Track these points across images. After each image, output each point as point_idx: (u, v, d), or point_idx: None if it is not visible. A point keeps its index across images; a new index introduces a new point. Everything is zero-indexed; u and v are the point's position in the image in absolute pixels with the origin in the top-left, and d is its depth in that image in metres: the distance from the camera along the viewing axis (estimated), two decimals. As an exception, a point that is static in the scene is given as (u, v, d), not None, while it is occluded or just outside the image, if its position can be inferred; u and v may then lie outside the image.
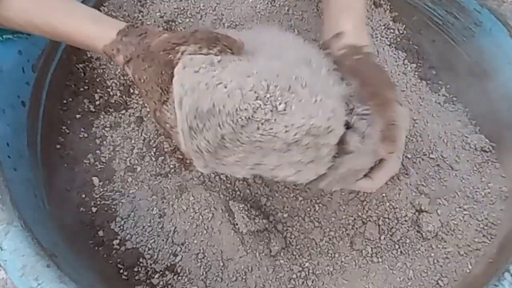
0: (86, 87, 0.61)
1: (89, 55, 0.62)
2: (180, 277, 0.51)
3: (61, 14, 0.46)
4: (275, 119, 0.37)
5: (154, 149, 0.57)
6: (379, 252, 0.53)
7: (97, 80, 0.61)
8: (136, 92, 0.60)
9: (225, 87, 0.37)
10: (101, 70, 0.61)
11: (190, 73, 0.39)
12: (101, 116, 0.59)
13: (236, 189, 0.55)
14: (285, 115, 0.37)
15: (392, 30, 0.68)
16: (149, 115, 0.58)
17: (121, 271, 0.51)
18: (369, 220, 0.54)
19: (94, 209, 0.54)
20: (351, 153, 0.42)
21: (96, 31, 0.46)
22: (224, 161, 0.40)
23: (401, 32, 0.68)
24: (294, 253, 0.53)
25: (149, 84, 0.42)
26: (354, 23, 0.49)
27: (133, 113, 0.59)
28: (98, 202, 0.55)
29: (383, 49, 0.66)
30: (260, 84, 0.37)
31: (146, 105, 0.45)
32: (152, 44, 0.42)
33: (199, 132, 0.38)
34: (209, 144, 0.38)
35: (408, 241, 0.54)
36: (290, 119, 0.37)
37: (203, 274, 0.52)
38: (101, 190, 0.55)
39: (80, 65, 0.62)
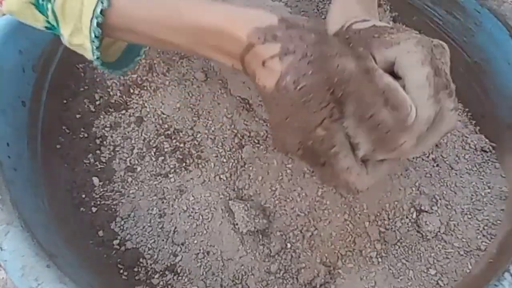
0: (86, 87, 0.61)
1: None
2: (180, 277, 0.51)
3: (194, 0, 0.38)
4: None
5: (154, 149, 0.57)
6: (379, 252, 0.53)
7: (97, 80, 0.61)
8: (136, 92, 0.60)
9: None
10: (101, 70, 0.61)
11: None
12: (101, 116, 0.59)
13: (236, 189, 0.55)
14: None
15: (392, 30, 0.68)
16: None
17: (121, 271, 0.51)
18: (369, 221, 0.54)
19: (94, 209, 0.54)
20: None
21: (247, 13, 0.37)
22: None
23: (401, 32, 0.68)
24: (294, 253, 0.53)
25: (308, 91, 0.34)
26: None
27: (133, 113, 0.59)
28: (98, 202, 0.55)
29: (383, 49, 0.66)
30: None
31: (288, 120, 0.36)
32: (336, 61, 0.34)
33: None
34: None
35: (408, 241, 0.54)
36: None
37: (203, 274, 0.52)
38: (101, 190, 0.55)
39: (80, 65, 0.62)
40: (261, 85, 0.37)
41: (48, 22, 0.41)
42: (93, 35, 0.39)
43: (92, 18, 0.38)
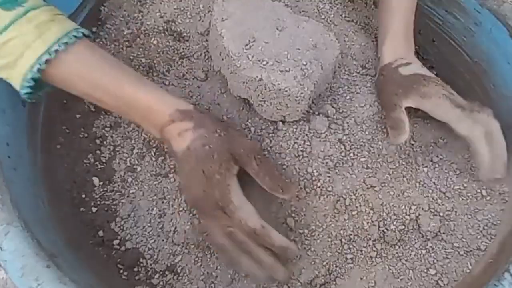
0: (86, 87, 0.61)
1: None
2: (180, 277, 0.51)
3: (133, 77, 0.48)
4: None
5: (154, 149, 0.57)
6: (379, 252, 0.54)
7: (97, 80, 0.61)
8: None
9: None
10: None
11: None
12: (101, 116, 0.59)
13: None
14: None
15: (392, 30, 0.68)
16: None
17: (121, 271, 0.51)
18: (369, 221, 0.54)
19: (94, 209, 0.54)
20: None
21: (171, 99, 0.49)
22: None
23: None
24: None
25: (215, 150, 0.47)
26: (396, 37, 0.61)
27: (133, 113, 0.59)
28: (98, 202, 0.55)
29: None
30: None
31: (192, 172, 0.47)
32: (237, 140, 0.49)
33: None
34: None
35: (408, 241, 0.54)
36: None
37: (203, 274, 0.52)
38: (101, 190, 0.55)
39: (80, 65, 0.62)
40: (175, 150, 0.48)
41: None
42: (29, 76, 0.44)
43: (34, 64, 0.44)
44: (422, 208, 0.55)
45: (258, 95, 0.52)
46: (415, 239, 0.54)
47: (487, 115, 0.55)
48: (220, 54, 0.54)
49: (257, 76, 0.51)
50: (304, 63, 0.52)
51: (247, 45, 0.52)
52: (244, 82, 0.52)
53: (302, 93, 0.51)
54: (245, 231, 0.47)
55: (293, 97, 0.51)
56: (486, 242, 0.54)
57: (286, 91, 0.51)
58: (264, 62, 0.51)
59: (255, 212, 0.48)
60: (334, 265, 0.53)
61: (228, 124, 0.52)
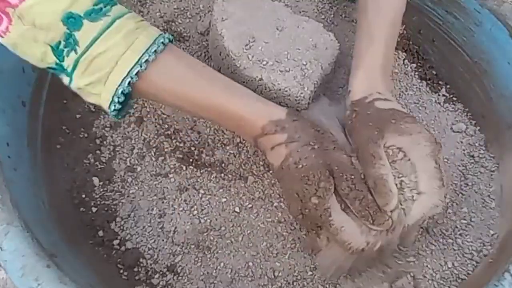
0: (86, 87, 0.61)
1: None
2: (180, 277, 0.51)
3: (221, 85, 0.46)
4: None
5: (154, 149, 0.57)
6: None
7: (97, 80, 0.61)
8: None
9: None
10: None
11: None
12: (101, 116, 0.59)
13: (236, 189, 0.55)
14: None
15: (392, 30, 0.68)
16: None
17: (121, 271, 0.51)
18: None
19: (94, 209, 0.54)
20: None
21: (262, 108, 0.47)
22: None
23: (401, 32, 0.68)
24: (295, 254, 0.53)
25: (309, 170, 0.43)
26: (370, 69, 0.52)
27: (133, 113, 0.59)
28: (98, 202, 0.55)
29: (383, 49, 0.66)
30: None
31: (290, 191, 0.45)
32: (329, 154, 0.45)
33: None
34: None
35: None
36: None
37: (203, 274, 0.52)
38: (101, 190, 0.55)
39: (80, 65, 0.62)
40: (270, 163, 0.47)
41: (59, 65, 0.42)
42: (120, 91, 0.42)
43: (126, 77, 0.42)
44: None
45: (259, 95, 0.52)
46: (415, 240, 0.54)
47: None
48: (220, 54, 0.54)
49: (257, 76, 0.51)
50: (304, 63, 0.52)
51: (247, 45, 0.52)
52: (244, 82, 0.52)
53: (302, 93, 0.51)
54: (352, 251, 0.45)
55: (293, 97, 0.51)
56: (486, 242, 0.54)
57: (286, 91, 0.51)
58: (264, 62, 0.51)
59: (358, 230, 0.44)
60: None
61: (323, 133, 0.48)
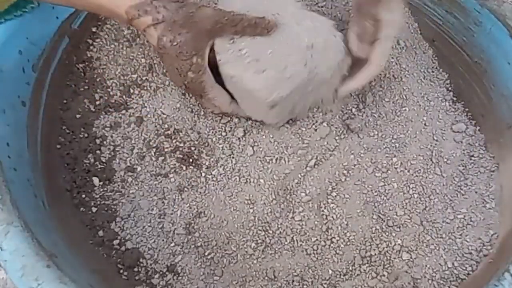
0: (86, 87, 0.61)
1: (89, 55, 0.62)
2: (180, 277, 0.51)
3: None
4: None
5: (154, 149, 0.57)
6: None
7: (97, 80, 0.61)
8: (136, 92, 0.60)
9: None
10: (101, 70, 0.61)
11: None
12: (101, 116, 0.59)
13: (236, 189, 0.55)
14: None
15: (392, 30, 0.68)
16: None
17: (121, 271, 0.51)
18: (378, 217, 0.54)
19: (94, 209, 0.54)
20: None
21: None
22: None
23: (401, 32, 0.68)
24: (295, 254, 0.53)
25: (182, 47, 0.48)
26: None
27: (133, 113, 0.59)
28: (98, 202, 0.55)
29: (383, 49, 0.66)
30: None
31: (170, 67, 0.50)
32: (196, 15, 0.48)
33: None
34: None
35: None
36: None
37: (203, 274, 0.52)
38: (101, 190, 0.55)
39: (80, 65, 0.62)
40: (150, 43, 0.51)
41: None
42: None
43: None
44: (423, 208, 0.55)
45: (235, 92, 0.52)
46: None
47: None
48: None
49: (229, 73, 0.49)
50: (286, 64, 0.49)
51: (232, 39, 0.50)
52: (224, 77, 0.51)
53: (267, 98, 0.49)
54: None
55: (261, 100, 0.49)
56: (486, 242, 0.54)
57: (253, 92, 0.49)
58: (243, 59, 0.49)
59: (228, 100, 0.52)
60: (338, 272, 0.53)
61: (183, 1, 0.50)
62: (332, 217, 0.54)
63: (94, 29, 0.63)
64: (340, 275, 0.52)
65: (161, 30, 0.48)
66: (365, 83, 0.56)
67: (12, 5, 0.53)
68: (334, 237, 0.53)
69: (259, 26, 0.49)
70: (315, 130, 0.55)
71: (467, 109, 0.64)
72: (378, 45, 0.53)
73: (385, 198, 0.55)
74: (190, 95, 0.57)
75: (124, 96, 0.60)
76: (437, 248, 0.54)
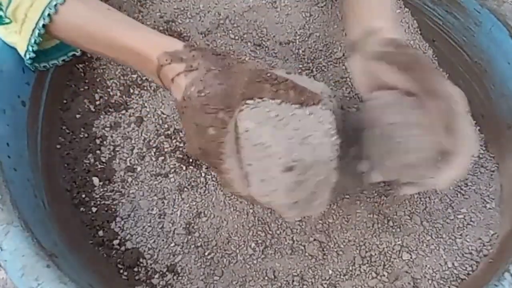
0: (86, 87, 0.61)
1: (89, 55, 0.62)
2: (180, 277, 0.51)
3: (124, 24, 0.47)
4: None
5: (154, 149, 0.57)
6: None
7: (97, 80, 0.61)
8: (136, 92, 0.60)
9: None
10: (101, 70, 0.61)
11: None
12: (101, 116, 0.59)
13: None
14: None
15: (392, 30, 0.68)
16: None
17: (121, 271, 0.51)
18: (378, 217, 0.54)
19: (94, 209, 0.54)
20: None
21: (158, 40, 0.45)
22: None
23: (401, 32, 0.68)
24: (295, 254, 0.53)
25: (210, 99, 0.40)
26: (389, 18, 0.51)
27: (133, 113, 0.59)
28: (98, 202, 0.55)
29: (383, 49, 0.66)
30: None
31: (189, 124, 0.42)
32: (236, 66, 0.42)
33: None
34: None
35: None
36: None
37: (203, 274, 0.52)
38: (101, 190, 0.55)
39: (80, 65, 0.62)
40: (174, 98, 0.44)
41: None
42: (36, 33, 0.48)
43: (38, 20, 0.46)
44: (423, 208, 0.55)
45: (247, 154, 0.43)
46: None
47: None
48: None
49: (245, 127, 0.41)
50: (311, 133, 0.40)
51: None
52: (238, 136, 0.43)
53: (286, 156, 0.40)
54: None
55: (275, 157, 0.40)
56: (486, 242, 0.54)
57: (268, 148, 0.40)
58: (263, 114, 0.41)
59: (242, 181, 0.42)
60: (341, 272, 0.53)
61: (225, 55, 0.44)
62: (332, 217, 0.54)
63: (94, 29, 0.64)
64: (340, 275, 0.52)
65: (192, 78, 0.41)
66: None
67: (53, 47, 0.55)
68: (334, 237, 0.53)
69: (304, 94, 0.40)
70: None
71: (467, 109, 0.64)
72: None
73: (385, 198, 0.55)
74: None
75: (124, 96, 0.60)
76: (437, 248, 0.54)
